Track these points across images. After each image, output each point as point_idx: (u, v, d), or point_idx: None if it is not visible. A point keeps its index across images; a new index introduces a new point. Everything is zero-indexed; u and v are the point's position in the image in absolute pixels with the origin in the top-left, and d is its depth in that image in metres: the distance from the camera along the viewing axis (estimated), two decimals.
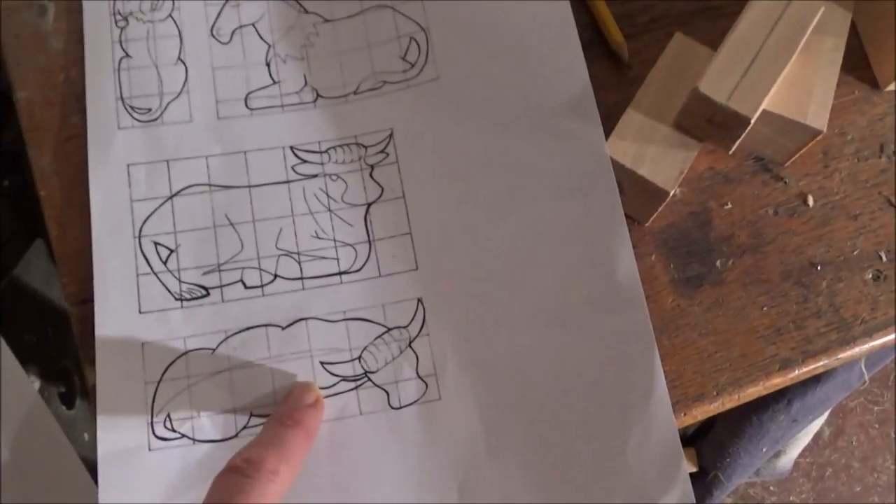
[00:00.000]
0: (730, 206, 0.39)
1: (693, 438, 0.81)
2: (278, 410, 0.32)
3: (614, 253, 0.36)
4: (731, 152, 0.37)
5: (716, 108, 0.35)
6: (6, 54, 0.39)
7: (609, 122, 0.37)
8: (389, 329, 0.35)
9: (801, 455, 0.92)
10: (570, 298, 0.36)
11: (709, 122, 0.36)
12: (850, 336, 0.37)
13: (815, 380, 0.65)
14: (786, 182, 0.40)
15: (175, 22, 0.40)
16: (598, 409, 0.34)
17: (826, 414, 0.73)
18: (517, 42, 0.40)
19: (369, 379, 0.35)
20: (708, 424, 0.78)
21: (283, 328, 0.35)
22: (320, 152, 0.39)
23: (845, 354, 0.37)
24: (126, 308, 0.35)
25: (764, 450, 0.70)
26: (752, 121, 0.35)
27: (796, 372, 0.36)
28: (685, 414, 0.35)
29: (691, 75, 0.37)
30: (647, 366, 0.34)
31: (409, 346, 0.35)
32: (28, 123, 0.38)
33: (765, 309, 0.37)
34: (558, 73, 0.39)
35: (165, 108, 0.39)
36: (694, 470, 0.78)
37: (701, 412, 0.36)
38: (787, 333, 0.37)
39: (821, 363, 0.36)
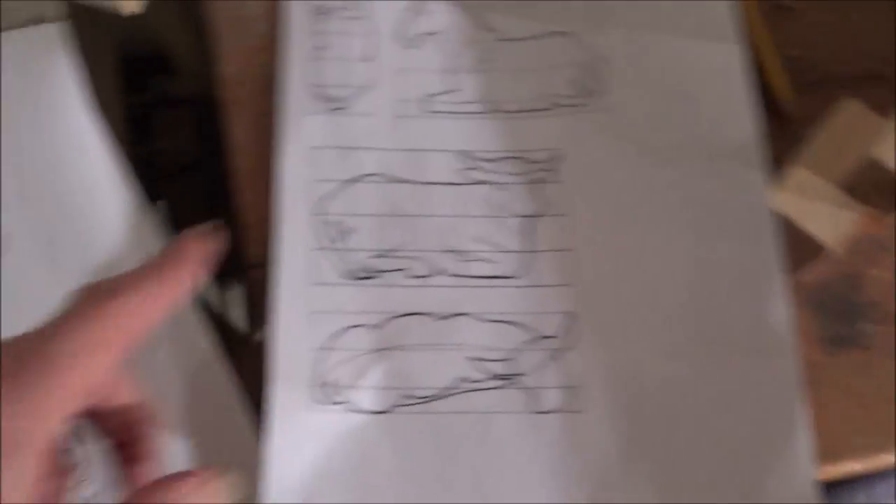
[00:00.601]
0: (884, 273, 0.40)
1: None
2: None
3: (768, 299, 0.37)
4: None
5: (885, 174, 0.36)
6: (215, 31, 0.42)
7: (770, 175, 0.39)
8: (541, 337, 0.37)
9: None
10: (720, 337, 0.37)
11: (875, 188, 0.37)
12: None
13: None
14: None
15: (369, 22, 0.43)
16: (737, 450, 0.35)
17: None
18: (689, 82, 0.42)
19: (516, 381, 0.36)
20: None
21: (440, 319, 0.37)
22: (490, 161, 0.41)
23: None
24: (300, 278, 0.37)
25: None
26: None
27: None
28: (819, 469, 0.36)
29: (860, 139, 0.38)
30: (792, 415, 0.35)
31: (559, 356, 0.37)
32: (229, 98, 0.41)
33: None
34: (727, 118, 0.41)
35: (352, 100, 0.41)
36: None
37: (833, 470, 0.36)
38: None
39: None
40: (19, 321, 0.23)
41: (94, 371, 0.23)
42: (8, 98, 0.41)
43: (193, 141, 0.54)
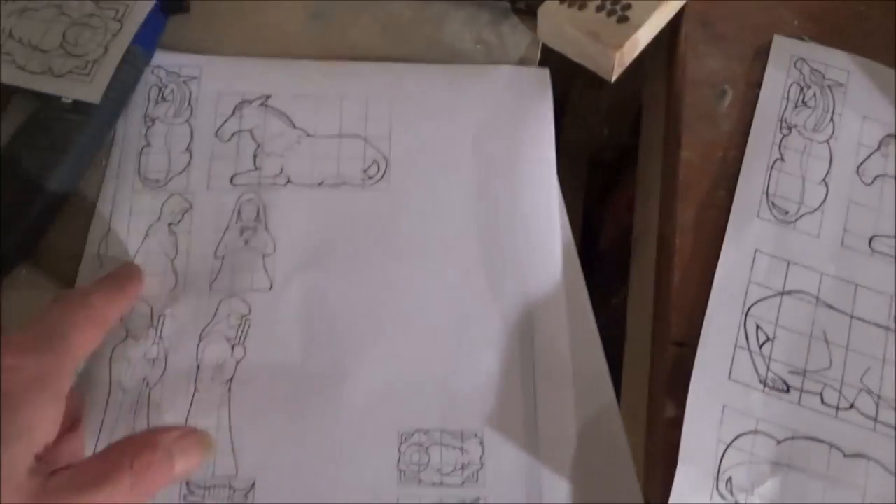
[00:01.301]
0: None
1: None
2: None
3: None
4: None
5: None
6: (684, 119, 0.46)
7: None
8: None
9: None
10: None
11: None
12: None
13: None
14: None
15: (830, 149, 0.44)
16: None
17: None
18: None
19: None
20: None
21: (845, 456, 0.37)
22: None
23: None
24: (720, 369, 0.39)
25: None
26: None
27: None
28: None
29: None
30: None
31: None
32: (683, 181, 0.44)
33: None
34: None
35: (800, 216, 0.43)
36: None
37: None
38: None
39: None
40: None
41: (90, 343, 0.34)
42: (493, 126, 0.46)
43: None
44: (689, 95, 0.46)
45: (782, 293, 0.41)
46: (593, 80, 0.46)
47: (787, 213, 0.43)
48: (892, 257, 0.42)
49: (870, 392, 0.39)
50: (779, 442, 0.38)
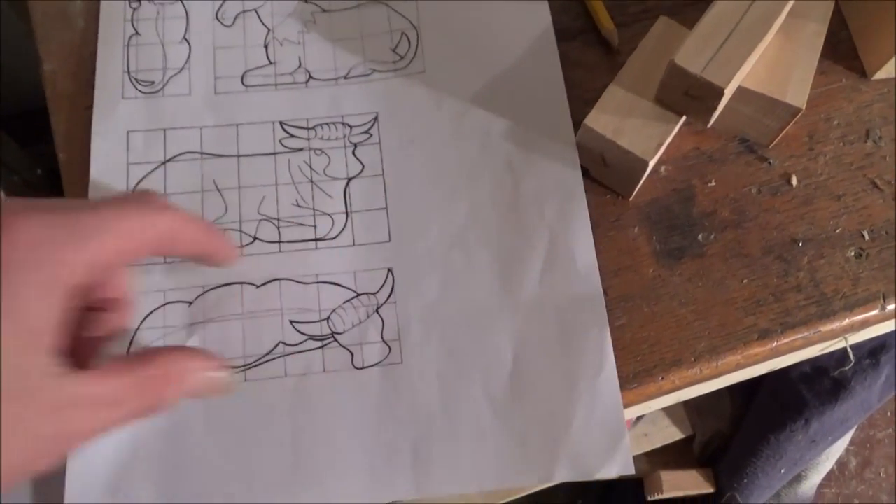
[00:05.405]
0: (713, 183, 0.39)
1: (711, 460, 0.79)
2: None
3: (574, 235, 0.37)
4: (709, 125, 0.37)
5: (691, 79, 0.35)
6: (36, 31, 0.42)
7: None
8: (359, 294, 0.36)
9: (827, 485, 0.88)
10: (531, 276, 0.37)
11: (686, 95, 0.36)
12: (830, 310, 0.36)
13: (833, 399, 0.63)
14: (770, 163, 0.39)
15: (183, 5, 0.43)
16: (548, 382, 0.35)
17: (848, 437, 0.70)
18: (498, 41, 0.42)
19: (335, 339, 0.36)
20: (725, 445, 0.76)
21: (258, 286, 0.36)
22: (307, 128, 0.40)
23: (826, 328, 0.36)
24: None
25: (782, 471, 0.68)
26: (726, 91, 0.35)
27: (775, 343, 0.36)
28: (663, 378, 0.35)
29: (673, 53, 0.38)
30: (598, 342, 0.35)
31: (377, 311, 0.36)
32: (51, 93, 0.41)
33: (744, 281, 0.37)
34: (534, 69, 0.41)
35: (167, 81, 0.41)
36: (711, 490, 0.76)
37: (679, 378, 0.35)
38: (766, 305, 0.36)
39: (800, 335, 0.36)
40: None
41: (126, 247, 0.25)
42: None
43: None
44: (36, 4, 0.43)
45: (165, 162, 0.39)
46: None
47: (153, 83, 0.41)
48: (266, 86, 0.41)
49: (269, 219, 0.38)
50: (190, 303, 0.36)
